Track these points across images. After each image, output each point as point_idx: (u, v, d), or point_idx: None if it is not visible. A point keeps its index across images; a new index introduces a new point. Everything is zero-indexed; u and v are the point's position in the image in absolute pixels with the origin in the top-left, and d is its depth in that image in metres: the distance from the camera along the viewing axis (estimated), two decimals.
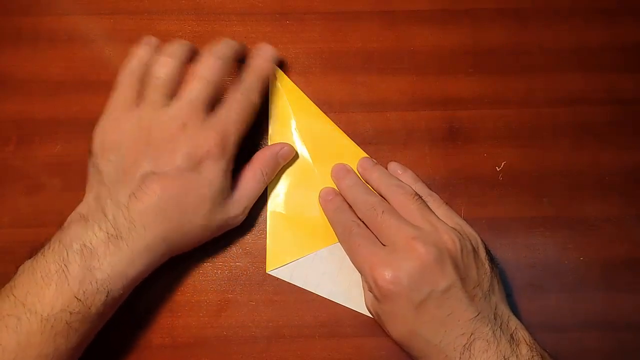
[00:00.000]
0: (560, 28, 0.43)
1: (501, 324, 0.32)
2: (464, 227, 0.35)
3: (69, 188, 0.39)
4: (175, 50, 0.35)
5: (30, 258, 0.31)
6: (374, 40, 0.42)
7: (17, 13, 0.42)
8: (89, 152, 0.34)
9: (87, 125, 0.40)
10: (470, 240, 0.34)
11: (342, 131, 0.40)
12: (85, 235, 0.31)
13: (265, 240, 0.39)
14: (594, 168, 0.40)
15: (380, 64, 0.42)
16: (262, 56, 0.38)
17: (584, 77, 0.42)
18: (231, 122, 0.34)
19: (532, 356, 0.31)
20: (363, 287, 0.37)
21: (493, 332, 0.31)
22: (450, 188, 0.40)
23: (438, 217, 0.35)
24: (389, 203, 0.36)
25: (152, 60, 0.35)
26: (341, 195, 0.38)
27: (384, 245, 0.34)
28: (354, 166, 0.39)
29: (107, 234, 0.31)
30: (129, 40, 0.42)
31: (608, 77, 0.42)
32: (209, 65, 0.35)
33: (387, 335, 0.36)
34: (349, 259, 0.36)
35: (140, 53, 0.36)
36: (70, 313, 0.29)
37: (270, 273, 0.38)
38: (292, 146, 0.39)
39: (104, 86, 0.41)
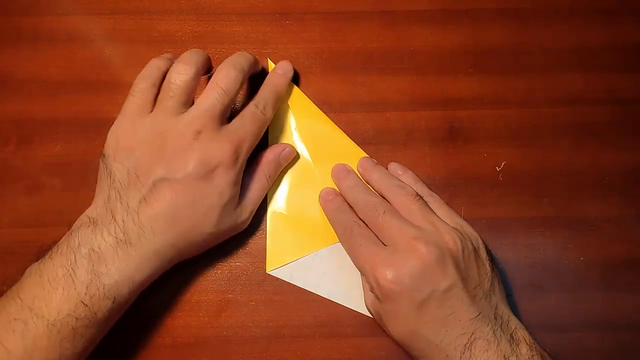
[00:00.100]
0: (560, 28, 0.43)
1: (501, 323, 0.32)
2: (464, 227, 0.35)
3: (69, 188, 0.39)
4: (191, 59, 0.35)
5: (37, 260, 0.31)
6: (374, 40, 0.42)
7: (17, 13, 0.42)
8: (101, 154, 0.34)
9: (87, 125, 0.40)
10: (471, 240, 0.34)
11: (342, 131, 0.40)
12: (94, 240, 0.31)
13: (265, 240, 0.39)
14: (594, 168, 0.40)
15: (380, 64, 0.42)
16: (279, 73, 0.39)
17: (584, 77, 0.42)
18: (245, 134, 0.35)
19: (532, 355, 0.31)
20: (363, 287, 0.37)
21: (493, 331, 0.31)
22: (450, 188, 0.40)
23: (439, 217, 0.35)
24: (389, 203, 0.36)
25: (168, 68, 0.35)
26: (342, 195, 0.38)
27: (385, 245, 0.34)
28: (354, 166, 0.39)
29: (116, 238, 0.31)
30: (129, 40, 0.42)
31: (608, 77, 0.42)
32: (226, 76, 0.35)
33: (387, 335, 0.36)
34: (349, 259, 0.36)
35: (156, 62, 0.36)
36: (77, 318, 0.29)
37: (270, 273, 0.38)
38: (293, 147, 0.39)
39: (104, 86, 0.41)
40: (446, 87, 0.42)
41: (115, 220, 0.31)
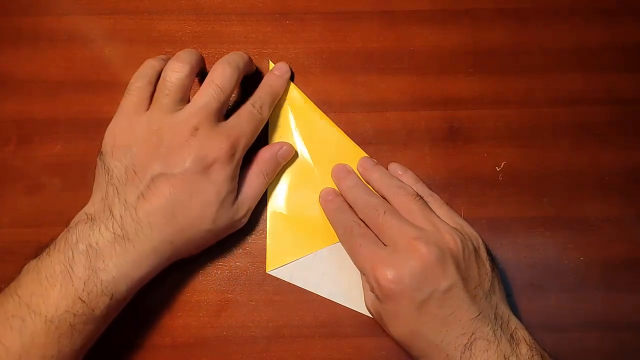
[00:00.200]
0: (560, 28, 0.43)
1: (501, 323, 0.32)
2: (465, 227, 0.35)
3: (69, 188, 0.39)
4: (185, 57, 0.35)
5: (35, 257, 0.31)
6: (374, 40, 0.42)
7: (17, 13, 0.42)
8: (99, 152, 0.34)
9: (87, 125, 0.40)
10: (471, 240, 0.34)
11: (342, 131, 0.40)
12: (91, 235, 0.31)
13: (265, 240, 0.39)
14: (594, 168, 0.40)
15: (380, 64, 0.42)
16: (276, 74, 0.39)
17: (584, 77, 0.42)
18: (241, 132, 0.35)
19: (532, 355, 0.31)
20: (363, 287, 0.37)
21: (494, 331, 0.31)
22: (450, 188, 0.40)
23: (439, 218, 0.35)
24: (390, 204, 0.36)
25: (163, 67, 0.35)
26: (342, 195, 0.38)
27: (386, 245, 0.34)
28: (354, 166, 0.39)
29: (114, 234, 0.31)
30: (129, 40, 0.42)
31: (608, 77, 0.42)
32: (222, 73, 0.35)
33: (387, 335, 0.36)
34: (349, 259, 0.36)
35: (151, 61, 0.36)
36: (74, 315, 0.30)
37: (270, 273, 0.38)
38: (291, 145, 0.39)
39: (104, 86, 0.41)
40: (446, 87, 0.42)
41: (112, 216, 0.32)
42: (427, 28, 0.43)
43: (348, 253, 0.36)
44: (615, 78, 0.42)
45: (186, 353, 0.37)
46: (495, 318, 0.32)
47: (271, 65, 0.41)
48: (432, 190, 0.38)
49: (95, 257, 0.30)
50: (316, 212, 0.39)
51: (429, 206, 0.36)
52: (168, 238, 0.33)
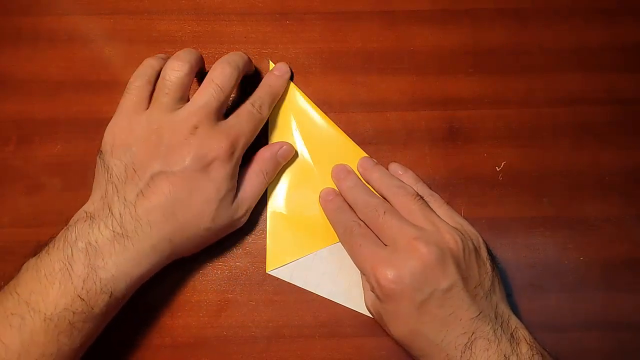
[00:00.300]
0: (560, 28, 0.43)
1: (502, 323, 0.32)
2: (465, 227, 0.35)
3: (69, 188, 0.39)
4: (185, 57, 0.35)
5: (34, 256, 0.31)
6: (374, 40, 0.42)
7: (17, 13, 0.42)
8: (98, 151, 0.35)
9: (87, 125, 0.40)
10: (472, 240, 0.34)
11: (342, 131, 0.40)
12: (91, 234, 0.31)
13: (265, 240, 0.39)
14: (594, 168, 0.40)
15: (380, 64, 0.42)
16: (276, 74, 0.40)
17: (584, 77, 0.42)
18: (241, 131, 0.35)
19: (532, 355, 0.31)
20: (363, 287, 0.37)
21: (494, 331, 0.31)
22: (450, 188, 0.40)
23: (440, 217, 0.35)
24: (390, 204, 0.36)
25: (162, 66, 0.36)
26: (342, 195, 0.38)
27: (386, 245, 0.34)
28: (354, 166, 0.39)
29: (113, 232, 0.31)
30: (129, 40, 0.42)
31: (608, 77, 0.42)
32: (221, 73, 0.35)
33: (387, 335, 0.36)
34: (349, 259, 0.36)
35: (150, 61, 0.37)
36: (74, 312, 0.30)
37: (270, 273, 0.38)
38: (291, 145, 0.39)
39: (104, 86, 0.41)
40: (446, 87, 0.42)
41: (112, 213, 0.32)
42: (427, 28, 0.43)
43: (348, 253, 0.36)
44: (615, 78, 0.42)
45: (186, 353, 0.37)
46: (496, 317, 0.32)
47: (271, 65, 0.41)
48: (432, 190, 0.38)
49: (94, 255, 0.30)
50: (316, 212, 0.39)
51: (429, 206, 0.36)
52: (167, 236, 0.33)
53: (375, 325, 0.37)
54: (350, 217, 0.36)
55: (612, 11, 0.43)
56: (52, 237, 0.32)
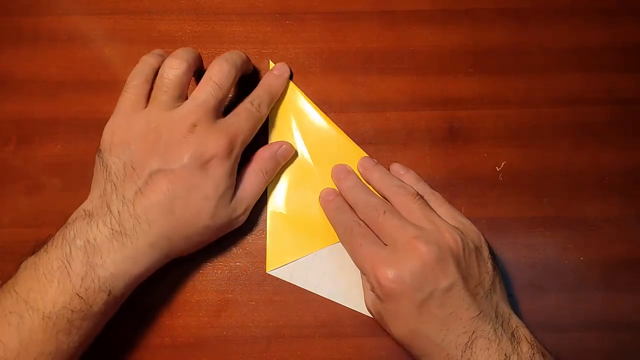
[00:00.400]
0: (560, 28, 0.43)
1: (502, 322, 0.32)
2: (466, 226, 0.35)
3: (69, 188, 0.39)
4: (183, 54, 0.35)
5: (33, 254, 0.31)
6: (374, 40, 0.42)
7: (17, 13, 0.42)
8: (97, 150, 0.35)
9: (87, 125, 0.40)
10: (472, 239, 0.34)
11: (342, 131, 0.40)
12: (89, 231, 0.31)
13: (265, 240, 0.39)
14: (594, 168, 0.40)
15: (380, 64, 0.42)
16: (275, 74, 0.40)
17: (584, 77, 0.42)
18: (239, 128, 0.35)
19: (533, 354, 0.31)
20: (363, 287, 0.37)
21: (494, 330, 0.31)
22: (450, 188, 0.40)
23: (440, 216, 0.35)
24: (390, 203, 0.36)
25: (160, 64, 0.36)
26: (342, 195, 0.38)
27: (386, 245, 0.34)
28: (354, 166, 0.39)
29: (112, 229, 0.31)
30: (129, 40, 0.42)
31: (608, 77, 0.42)
32: (219, 70, 0.35)
33: (387, 335, 0.36)
34: (349, 259, 0.36)
35: (148, 59, 0.37)
36: (72, 311, 0.29)
37: (270, 273, 0.38)
38: (291, 144, 0.39)
39: (104, 86, 0.41)
40: (446, 87, 0.42)
41: (110, 211, 0.32)
42: (427, 28, 0.43)
43: (348, 253, 0.36)
44: (615, 78, 0.42)
45: (186, 353, 0.37)
46: (496, 316, 0.32)
47: (271, 65, 0.41)
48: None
49: (92, 253, 0.30)
50: (316, 212, 0.39)
51: (429, 205, 0.36)
52: (166, 234, 0.32)
53: (375, 325, 0.37)
54: (350, 217, 0.36)
55: (612, 11, 0.43)
56: (50, 236, 0.32)
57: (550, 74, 0.42)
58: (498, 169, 0.40)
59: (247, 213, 0.37)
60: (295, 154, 0.40)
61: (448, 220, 0.35)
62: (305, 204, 0.39)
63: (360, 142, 0.40)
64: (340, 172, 0.39)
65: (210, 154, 0.33)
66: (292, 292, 0.38)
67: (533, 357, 0.31)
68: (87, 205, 0.33)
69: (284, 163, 0.39)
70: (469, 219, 0.36)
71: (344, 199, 0.38)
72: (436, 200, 0.37)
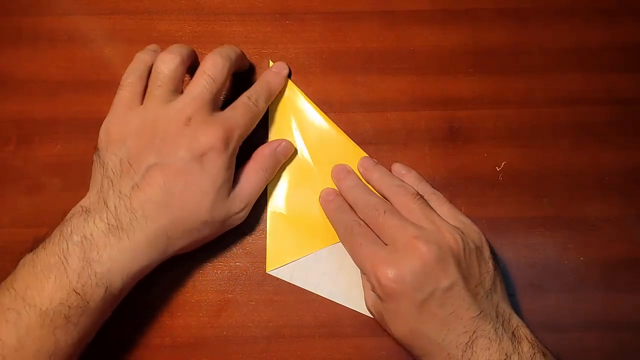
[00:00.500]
0: (560, 28, 0.43)
1: (503, 321, 0.32)
2: (467, 226, 0.35)
3: (69, 188, 0.39)
4: (176, 49, 0.35)
5: (31, 251, 0.31)
6: (374, 40, 0.42)
7: (17, 13, 0.42)
8: (95, 148, 0.35)
9: (87, 125, 0.40)
10: (473, 239, 0.34)
11: (342, 131, 0.40)
12: (86, 227, 0.31)
13: (265, 240, 0.39)
14: (594, 168, 0.40)
15: (380, 64, 0.42)
16: (274, 71, 0.40)
17: (584, 77, 0.42)
18: (236, 122, 0.35)
19: (534, 353, 0.31)
20: (364, 287, 0.37)
21: (495, 329, 0.31)
22: (450, 188, 0.40)
23: (440, 216, 0.35)
24: (390, 203, 0.36)
25: (155, 59, 0.36)
26: (342, 195, 0.38)
27: (386, 244, 0.34)
28: (354, 166, 0.39)
29: (108, 224, 0.31)
30: (129, 40, 0.42)
31: (608, 77, 0.42)
32: (213, 64, 0.35)
33: (387, 335, 0.36)
34: (349, 259, 0.36)
35: (142, 55, 0.37)
36: (69, 307, 0.29)
37: (270, 273, 0.38)
38: (291, 142, 0.39)
39: (104, 86, 0.41)
40: (446, 87, 0.42)
41: (107, 207, 0.32)
42: (427, 28, 0.43)
43: (349, 252, 0.36)
44: (615, 78, 0.42)
45: (186, 353, 0.37)
46: (497, 316, 0.32)
47: (271, 64, 0.41)
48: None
49: (89, 249, 0.30)
50: (316, 212, 0.39)
51: (429, 205, 0.36)
52: (163, 229, 0.32)
53: (375, 325, 0.37)
54: (350, 217, 0.36)
55: (612, 11, 0.43)
56: (48, 233, 0.32)
57: (550, 74, 0.42)
58: (498, 169, 0.40)
59: (247, 210, 0.37)
60: (295, 153, 0.40)
61: (449, 220, 0.35)
62: (305, 204, 0.39)
63: (360, 142, 0.40)
64: (340, 172, 0.39)
65: (206, 146, 0.33)
66: (292, 292, 0.38)
67: (534, 357, 0.31)
68: (84, 202, 0.33)
69: (284, 160, 0.39)
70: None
71: (344, 198, 0.38)
72: (437, 200, 0.37)
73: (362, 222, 0.36)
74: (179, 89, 0.35)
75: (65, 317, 0.29)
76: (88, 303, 0.30)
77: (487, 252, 0.34)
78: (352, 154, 0.40)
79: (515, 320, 0.33)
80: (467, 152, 0.40)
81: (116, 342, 0.36)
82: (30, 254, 0.31)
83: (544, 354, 0.31)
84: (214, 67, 0.35)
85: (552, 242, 0.39)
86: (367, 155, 0.40)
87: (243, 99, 0.36)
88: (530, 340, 0.32)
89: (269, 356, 0.37)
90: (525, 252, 0.39)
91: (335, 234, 0.38)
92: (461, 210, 0.39)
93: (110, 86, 0.40)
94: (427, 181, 0.39)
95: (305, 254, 0.38)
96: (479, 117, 0.41)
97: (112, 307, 0.33)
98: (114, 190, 0.32)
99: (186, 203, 0.33)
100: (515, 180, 0.40)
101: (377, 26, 0.43)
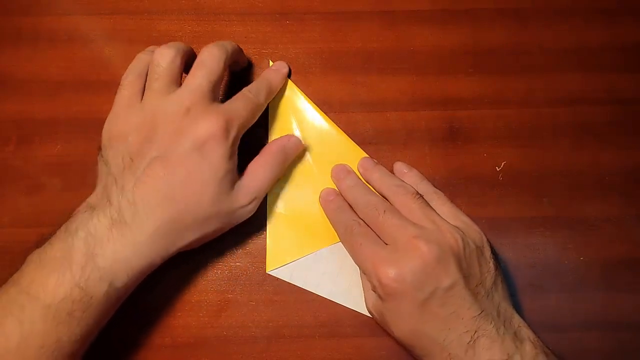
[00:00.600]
0: (560, 28, 0.43)
1: (504, 321, 0.32)
2: (468, 225, 0.35)
3: (69, 188, 0.39)
4: (172, 44, 0.35)
5: (37, 247, 0.31)
6: (374, 40, 0.42)
7: (17, 13, 0.42)
8: (97, 149, 0.35)
9: (87, 125, 0.40)
10: (474, 238, 0.34)
11: (342, 131, 0.40)
12: (90, 223, 0.31)
13: (265, 240, 0.39)
14: (594, 168, 0.40)
15: (380, 64, 0.42)
16: (274, 69, 0.40)
17: (584, 77, 0.42)
18: (236, 112, 0.35)
19: (537, 353, 0.31)
20: (364, 287, 0.37)
21: (496, 329, 0.31)
22: (450, 188, 0.40)
23: (440, 216, 0.35)
24: (390, 203, 0.36)
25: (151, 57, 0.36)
26: (342, 195, 0.38)
27: (386, 244, 0.34)
28: (354, 166, 0.39)
29: (111, 219, 0.31)
30: (129, 40, 0.42)
31: (608, 77, 0.42)
32: (210, 55, 0.35)
33: (387, 335, 0.36)
34: (349, 259, 0.36)
35: (142, 56, 0.37)
36: (72, 302, 0.29)
37: (270, 273, 0.38)
38: (299, 139, 0.38)
39: (104, 86, 0.41)
40: (446, 87, 0.42)
41: (110, 202, 0.32)
42: (427, 28, 0.43)
43: (349, 252, 0.36)
44: (615, 78, 0.42)
45: (186, 353, 0.37)
46: (498, 316, 0.32)
47: (271, 64, 0.41)
48: None
49: (93, 244, 0.30)
50: (316, 212, 0.39)
51: (429, 205, 0.36)
52: (167, 224, 0.32)
53: (375, 325, 0.37)
54: (350, 217, 0.36)
55: (612, 11, 0.43)
56: (55, 229, 0.32)
57: (550, 74, 0.42)
58: (498, 169, 0.40)
59: (255, 204, 0.36)
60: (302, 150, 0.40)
61: (450, 220, 0.35)
62: (305, 204, 0.39)
63: (360, 142, 0.40)
64: (340, 172, 0.39)
65: (205, 135, 0.33)
66: (292, 292, 0.38)
67: (536, 357, 0.31)
68: (91, 198, 0.33)
69: (293, 156, 0.38)
70: None
71: (344, 198, 0.38)
72: (438, 199, 0.37)
73: (362, 222, 0.36)
74: (177, 82, 0.35)
75: (68, 312, 0.29)
76: (91, 298, 0.30)
77: (488, 252, 0.34)
78: (352, 154, 0.40)
79: (517, 320, 0.33)
80: (467, 152, 0.40)
81: (117, 342, 0.36)
82: (37, 250, 0.31)
83: (546, 354, 0.31)
84: (210, 58, 0.35)
85: (552, 242, 0.39)
86: (367, 155, 0.40)
87: (243, 91, 0.36)
88: (532, 340, 0.32)
89: (269, 356, 0.37)
90: (525, 252, 0.39)
91: (336, 233, 0.38)
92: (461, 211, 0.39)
93: (110, 86, 0.40)
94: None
95: (305, 254, 0.38)
96: (479, 117, 0.41)
97: (115, 305, 0.33)
98: (117, 187, 0.32)
99: (188, 194, 0.32)
100: (515, 180, 0.40)
101: (377, 26, 0.43)
